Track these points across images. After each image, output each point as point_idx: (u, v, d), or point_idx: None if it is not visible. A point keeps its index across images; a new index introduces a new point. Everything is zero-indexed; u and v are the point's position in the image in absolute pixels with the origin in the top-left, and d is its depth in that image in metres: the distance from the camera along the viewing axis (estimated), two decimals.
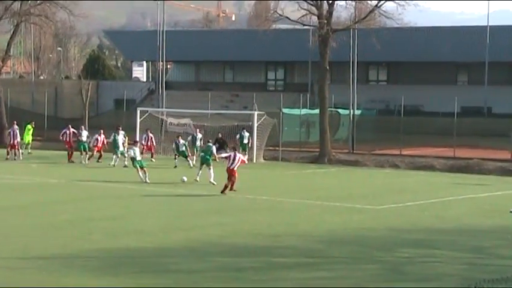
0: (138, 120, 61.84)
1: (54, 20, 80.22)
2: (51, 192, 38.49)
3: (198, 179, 41.81)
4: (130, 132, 58.67)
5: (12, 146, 56.43)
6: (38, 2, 76.54)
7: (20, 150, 57.72)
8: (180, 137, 52.84)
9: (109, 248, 24.03)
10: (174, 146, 52.96)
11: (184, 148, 51.83)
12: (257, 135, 58.97)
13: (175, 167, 51.24)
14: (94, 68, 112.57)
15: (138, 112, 63.54)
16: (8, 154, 56.47)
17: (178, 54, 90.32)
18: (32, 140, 62.25)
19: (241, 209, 33.87)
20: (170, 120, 67.00)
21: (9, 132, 57.48)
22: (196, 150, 53.42)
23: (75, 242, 24.83)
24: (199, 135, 55.96)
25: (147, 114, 63.56)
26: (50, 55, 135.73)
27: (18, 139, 57.20)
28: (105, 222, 29.18)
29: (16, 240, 24.95)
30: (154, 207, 34.12)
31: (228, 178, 37.57)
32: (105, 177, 45.69)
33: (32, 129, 62.19)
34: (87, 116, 73.71)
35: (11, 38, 77.76)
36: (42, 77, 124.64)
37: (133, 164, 43.08)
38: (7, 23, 77.00)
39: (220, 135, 58.77)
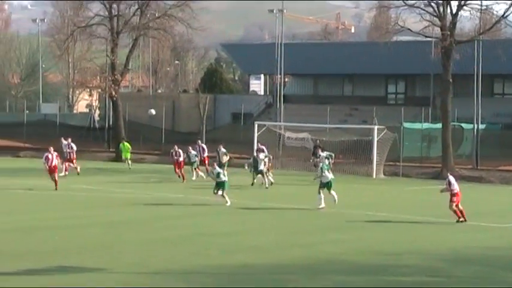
0: (256, 134, 61.95)
1: (172, 33, 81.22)
2: (166, 207, 38.81)
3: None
4: (247, 146, 58.96)
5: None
6: (157, 15, 77.58)
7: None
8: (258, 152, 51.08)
9: (225, 265, 24.11)
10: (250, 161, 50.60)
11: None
12: (377, 150, 58.49)
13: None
14: (211, 81, 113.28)
15: (256, 126, 63.65)
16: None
17: (296, 67, 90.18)
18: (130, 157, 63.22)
19: (360, 226, 33.59)
20: (288, 134, 67.06)
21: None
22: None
23: (191, 258, 24.97)
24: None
25: (264, 128, 63.67)
26: (168, 69, 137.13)
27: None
28: (221, 238, 29.30)
29: (133, 255, 25.21)
30: (269, 223, 34.08)
31: None
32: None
33: (128, 146, 63.34)
34: (204, 129, 74.21)
35: (129, 51, 78.86)
36: (159, 91, 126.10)
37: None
38: (126, 37, 78.08)
39: (318, 142, 58.42)
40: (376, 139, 58.62)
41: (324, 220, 35.07)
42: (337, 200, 37.99)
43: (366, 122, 73.37)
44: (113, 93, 76.20)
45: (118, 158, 67.65)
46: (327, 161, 43.94)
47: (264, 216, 36.26)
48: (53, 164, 43.58)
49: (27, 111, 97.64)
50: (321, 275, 22.77)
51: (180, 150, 52.49)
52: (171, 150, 53.27)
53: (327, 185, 37.77)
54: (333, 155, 49.59)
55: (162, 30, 78.02)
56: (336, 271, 23.57)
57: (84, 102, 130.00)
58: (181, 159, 52.43)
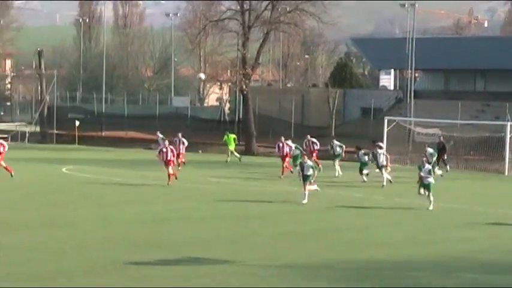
0: (386, 130, 61.50)
1: (303, 27, 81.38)
2: (292, 201, 38.79)
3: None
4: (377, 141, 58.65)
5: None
6: (288, 9, 77.77)
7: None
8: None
9: (353, 260, 24.02)
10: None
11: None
12: (510, 147, 57.34)
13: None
14: (341, 76, 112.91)
15: (386, 121, 63.20)
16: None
17: (427, 62, 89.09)
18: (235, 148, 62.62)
19: (491, 223, 32.90)
20: (418, 129, 66.39)
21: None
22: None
23: (320, 252, 24.97)
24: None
25: (394, 123, 63.14)
26: (298, 63, 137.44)
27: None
28: (350, 234, 29.24)
29: (263, 248, 25.36)
30: (398, 219, 33.79)
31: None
32: (345, 186, 45.81)
33: (234, 138, 62.91)
34: (334, 124, 74.13)
35: (260, 46, 79.27)
36: (289, 85, 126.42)
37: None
38: (257, 31, 78.48)
39: (442, 138, 57.43)
40: (508, 136, 57.49)
41: (453, 217, 34.50)
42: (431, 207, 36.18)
43: (498, 119, 72.10)
44: (244, 87, 76.77)
45: (248, 151, 67.97)
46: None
47: (391, 212, 35.93)
48: (168, 157, 43.46)
49: (159, 104, 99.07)
50: (453, 273, 22.47)
51: (289, 143, 51.49)
52: (278, 143, 52.74)
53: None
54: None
55: (293, 24, 78.20)
56: (468, 269, 23.25)
57: (214, 95, 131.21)
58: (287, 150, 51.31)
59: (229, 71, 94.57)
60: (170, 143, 45.99)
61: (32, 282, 19.66)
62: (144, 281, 20.23)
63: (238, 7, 77.26)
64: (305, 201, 36.33)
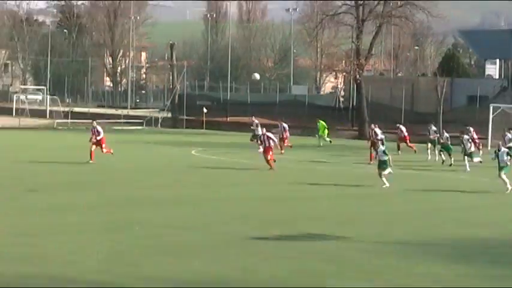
0: (491, 116, 60.61)
1: (413, 21, 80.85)
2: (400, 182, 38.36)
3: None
4: (483, 128, 57.71)
5: None
6: (400, 4, 77.35)
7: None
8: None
9: (460, 237, 23.63)
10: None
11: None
12: None
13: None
14: (449, 65, 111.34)
15: (491, 108, 62.31)
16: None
17: None
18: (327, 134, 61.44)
19: None
20: None
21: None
22: None
23: (428, 230, 24.65)
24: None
25: (499, 110, 62.22)
26: (408, 54, 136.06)
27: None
28: (456, 213, 28.80)
29: (376, 226, 25.13)
30: (504, 200, 32.97)
31: None
32: (450, 170, 45.04)
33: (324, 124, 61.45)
34: (441, 111, 73.18)
35: (373, 38, 79.19)
36: (399, 74, 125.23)
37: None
38: (370, 24, 78.40)
39: None
40: None
41: None
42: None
43: None
44: (357, 76, 76.97)
45: (361, 136, 67.54)
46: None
47: (496, 194, 34.99)
48: (267, 144, 42.27)
49: (279, 92, 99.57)
50: None
51: (377, 130, 50.46)
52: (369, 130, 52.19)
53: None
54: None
55: (404, 17, 77.93)
56: None
57: (330, 84, 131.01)
58: (379, 137, 49.78)
59: (344, 61, 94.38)
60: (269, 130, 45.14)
61: (165, 255, 19.89)
62: (260, 255, 20.28)
63: (353, 2, 77.33)
64: (386, 185, 34.69)
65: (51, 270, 17.91)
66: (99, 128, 42.34)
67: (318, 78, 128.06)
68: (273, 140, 41.36)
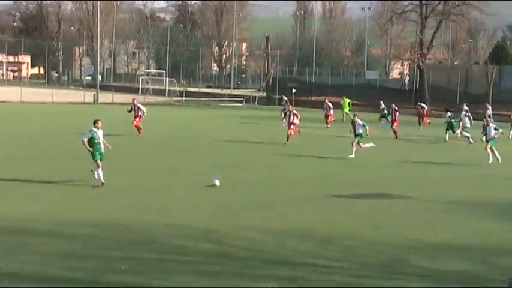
0: None
1: (468, 18, 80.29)
2: (449, 153, 37.73)
3: None
4: None
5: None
6: (457, 3, 76.96)
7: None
8: None
9: (506, 198, 23.22)
10: None
11: None
12: None
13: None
14: (498, 55, 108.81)
15: None
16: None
17: None
18: (349, 110, 58.07)
19: None
20: None
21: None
22: None
23: (479, 192, 24.28)
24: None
25: None
26: (463, 45, 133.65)
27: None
28: (499, 178, 28.16)
29: (434, 188, 24.87)
30: None
31: None
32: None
33: (348, 102, 59.04)
34: (491, 93, 72.12)
35: (434, 32, 79.16)
36: (456, 63, 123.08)
37: None
38: (432, 20, 78.33)
39: None
40: None
41: None
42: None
43: None
44: (420, 64, 76.98)
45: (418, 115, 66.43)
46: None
47: None
48: (290, 119, 39.49)
49: (355, 77, 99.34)
50: None
51: (424, 104, 50.45)
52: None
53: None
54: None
55: (461, 15, 77.43)
56: None
57: (397, 70, 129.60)
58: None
59: (409, 51, 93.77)
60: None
61: (261, 209, 20.01)
62: (336, 209, 20.28)
63: (418, 2, 77.56)
64: (352, 155, 32.04)
65: (168, 219, 18.22)
66: (141, 106, 40.54)
67: (387, 65, 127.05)
68: (297, 116, 39.43)
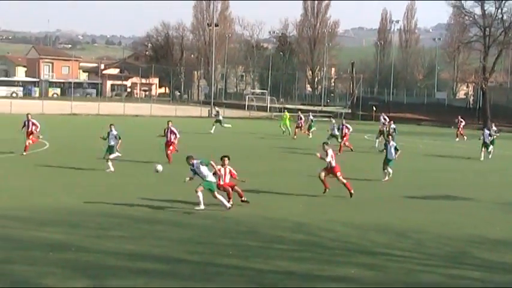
0: None
1: None
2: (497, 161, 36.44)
3: None
4: None
5: None
6: None
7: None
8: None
9: None
10: None
11: None
12: None
13: None
14: None
15: None
16: None
17: None
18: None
19: None
20: None
21: None
22: None
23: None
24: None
25: None
26: None
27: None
28: None
29: (492, 192, 24.08)
30: None
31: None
32: None
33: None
34: None
35: (496, 59, 77.59)
36: None
37: None
38: (494, 49, 76.83)
39: None
40: None
41: None
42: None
43: None
44: (483, 86, 75.48)
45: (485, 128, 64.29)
46: None
47: None
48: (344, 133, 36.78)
49: (426, 96, 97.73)
50: None
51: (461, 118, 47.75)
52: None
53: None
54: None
55: None
56: None
57: (462, 91, 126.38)
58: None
59: (473, 75, 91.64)
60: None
61: (347, 205, 19.87)
62: (409, 208, 19.93)
63: (482, 33, 75.93)
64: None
65: (268, 213, 18.32)
66: (175, 130, 29.12)
67: (454, 87, 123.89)
68: (348, 128, 36.44)
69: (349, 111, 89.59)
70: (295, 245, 14.76)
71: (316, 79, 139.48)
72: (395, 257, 14.01)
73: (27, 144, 29.82)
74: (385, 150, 25.93)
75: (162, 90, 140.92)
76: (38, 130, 30.79)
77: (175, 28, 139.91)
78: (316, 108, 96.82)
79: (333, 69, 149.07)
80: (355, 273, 12.66)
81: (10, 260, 12.70)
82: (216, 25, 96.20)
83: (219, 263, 13.02)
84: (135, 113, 72.61)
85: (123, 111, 72.35)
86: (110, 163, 25.22)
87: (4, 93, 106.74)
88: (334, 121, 43.54)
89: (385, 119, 48.69)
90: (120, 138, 26.08)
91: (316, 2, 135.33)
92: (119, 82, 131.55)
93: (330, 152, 20.97)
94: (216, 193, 18.13)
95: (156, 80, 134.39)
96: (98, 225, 15.97)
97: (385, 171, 25.52)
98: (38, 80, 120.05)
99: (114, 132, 25.93)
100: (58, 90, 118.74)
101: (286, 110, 54.54)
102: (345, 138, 36.31)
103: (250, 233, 15.72)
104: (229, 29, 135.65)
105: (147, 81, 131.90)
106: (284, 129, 49.57)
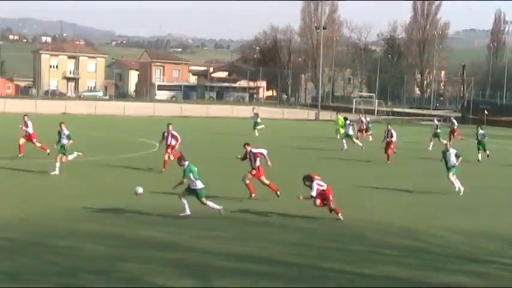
0: None
1: None
2: None
3: None
4: None
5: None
6: None
7: None
8: None
9: None
10: None
11: None
12: None
13: None
14: None
15: None
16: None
17: None
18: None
19: None
20: None
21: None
22: None
23: None
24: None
25: None
26: None
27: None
28: None
29: None
30: None
31: None
32: None
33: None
34: None
35: None
36: None
37: None
38: None
39: None
40: None
41: None
42: None
43: None
44: None
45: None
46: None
47: None
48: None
49: None
50: None
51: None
52: None
53: None
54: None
55: None
56: None
57: None
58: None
59: None
60: None
61: (453, 212, 19.30)
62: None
63: None
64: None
65: (374, 217, 18.10)
66: (175, 133, 26.01)
67: None
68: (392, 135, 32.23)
69: (460, 114, 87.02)
70: (402, 250, 14.49)
71: (425, 82, 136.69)
72: (508, 266, 13.47)
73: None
74: (443, 159, 22.75)
75: (270, 93, 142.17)
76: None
77: (283, 31, 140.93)
78: (425, 111, 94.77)
79: (443, 71, 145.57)
80: (464, 281, 12.27)
81: (122, 257, 13.17)
82: (324, 28, 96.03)
83: (325, 267, 12.96)
84: (243, 116, 73.56)
85: (231, 113, 73.57)
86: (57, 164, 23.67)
87: (165, 97, 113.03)
88: (436, 121, 42.35)
89: (439, 120, 45.49)
90: (70, 139, 24.39)
91: (426, 2, 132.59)
92: (227, 85, 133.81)
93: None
94: (204, 199, 17.00)
95: (263, 83, 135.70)
96: (205, 226, 16.29)
97: (451, 179, 22.31)
98: (196, 84, 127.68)
99: (66, 131, 24.36)
100: (214, 94, 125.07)
101: (338, 113, 49.52)
102: (392, 146, 31.92)
103: (357, 237, 15.57)
104: (337, 31, 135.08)
105: (255, 84, 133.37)
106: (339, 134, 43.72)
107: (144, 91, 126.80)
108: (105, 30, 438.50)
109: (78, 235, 14.83)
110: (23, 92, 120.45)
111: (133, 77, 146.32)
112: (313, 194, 17.03)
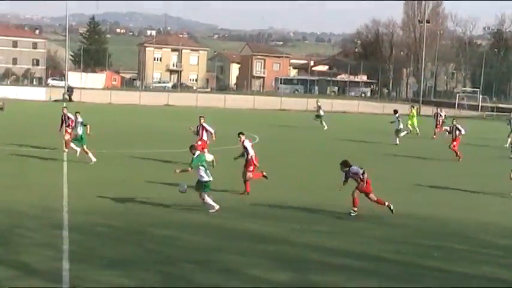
0: None
1: None
2: None
3: None
4: None
5: None
6: None
7: None
8: None
9: None
10: None
11: None
12: None
13: None
14: None
15: None
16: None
17: None
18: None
19: None
20: None
21: None
22: None
23: None
24: None
25: None
26: None
27: None
28: None
29: None
30: None
31: None
32: None
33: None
34: None
35: None
36: None
37: None
38: None
39: None
40: None
41: None
42: None
43: None
44: None
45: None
46: None
47: None
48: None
49: None
50: None
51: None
52: None
53: None
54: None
55: None
56: None
57: None
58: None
59: None
60: None
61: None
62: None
63: None
64: None
65: (472, 215, 17.59)
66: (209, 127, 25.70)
67: None
68: (459, 131, 30.21)
69: None
70: (503, 250, 14.06)
71: None
72: None
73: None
74: None
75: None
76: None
77: (385, 25, 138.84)
78: None
79: None
80: None
81: (220, 248, 13.43)
82: (428, 21, 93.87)
83: (422, 265, 12.75)
84: (343, 110, 73.09)
85: (331, 108, 73.23)
86: (89, 155, 24.25)
87: (287, 91, 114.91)
88: None
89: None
90: (86, 125, 24.90)
91: None
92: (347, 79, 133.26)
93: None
94: (203, 194, 16.54)
95: (364, 77, 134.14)
96: (302, 219, 16.35)
97: None
98: (316, 78, 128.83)
99: (80, 119, 25.00)
100: (336, 89, 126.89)
101: (414, 106, 47.57)
102: (455, 143, 30.15)
103: (456, 235, 15.22)
104: (441, 25, 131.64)
105: (355, 79, 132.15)
106: (411, 129, 42.78)
107: (245, 84, 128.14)
108: (208, 23, 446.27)
109: (176, 225, 15.23)
110: (128, 84, 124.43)
111: (234, 70, 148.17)
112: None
